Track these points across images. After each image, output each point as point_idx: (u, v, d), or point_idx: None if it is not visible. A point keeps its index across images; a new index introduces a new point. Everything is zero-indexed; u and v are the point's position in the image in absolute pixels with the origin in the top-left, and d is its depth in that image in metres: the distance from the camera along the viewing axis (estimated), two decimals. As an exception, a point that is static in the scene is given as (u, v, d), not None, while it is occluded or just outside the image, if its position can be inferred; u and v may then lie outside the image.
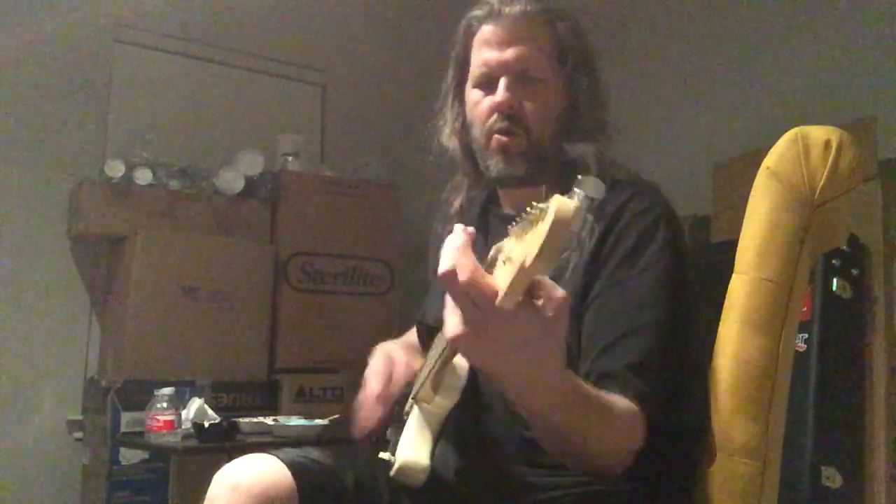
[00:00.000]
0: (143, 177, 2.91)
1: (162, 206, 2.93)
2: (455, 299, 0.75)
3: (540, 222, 0.69)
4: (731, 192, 2.59)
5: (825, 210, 1.03)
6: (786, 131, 1.06)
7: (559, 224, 0.67)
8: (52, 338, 2.96)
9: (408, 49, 3.49)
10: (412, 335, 1.45)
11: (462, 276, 0.73)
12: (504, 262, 0.75)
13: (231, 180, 3.07)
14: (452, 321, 0.76)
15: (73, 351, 3.00)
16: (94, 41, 3.12)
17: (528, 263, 0.69)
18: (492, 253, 0.81)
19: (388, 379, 1.23)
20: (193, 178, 3.01)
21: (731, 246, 1.11)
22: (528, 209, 0.73)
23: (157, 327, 2.77)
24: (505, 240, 0.79)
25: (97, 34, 3.12)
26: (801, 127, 1.06)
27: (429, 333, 1.33)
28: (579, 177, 0.79)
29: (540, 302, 0.75)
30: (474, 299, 0.73)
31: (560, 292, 0.76)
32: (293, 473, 0.98)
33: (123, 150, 3.01)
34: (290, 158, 3.27)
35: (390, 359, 1.27)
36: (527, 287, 0.73)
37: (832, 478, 1.94)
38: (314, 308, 3.11)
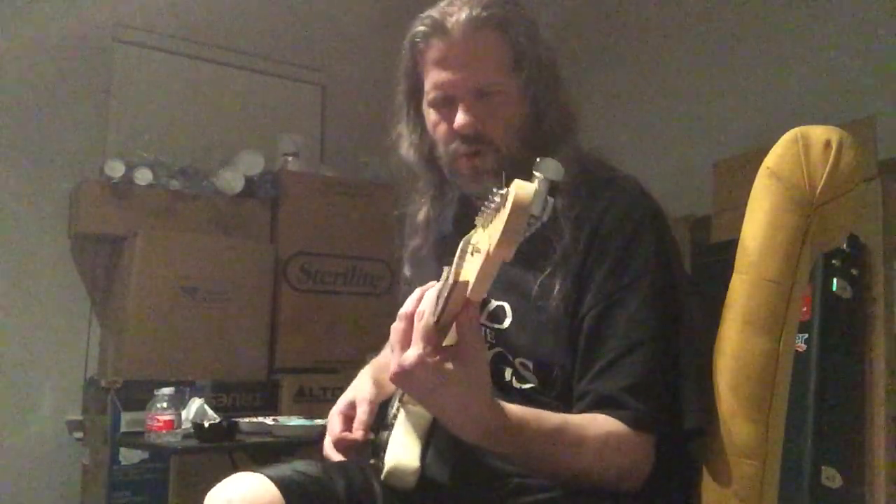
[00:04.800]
0: (143, 177, 2.91)
1: (162, 206, 2.93)
2: (401, 333, 0.91)
3: (502, 207, 0.72)
4: (731, 192, 2.59)
5: (825, 210, 1.03)
6: (786, 131, 1.06)
7: (518, 208, 0.70)
8: (52, 338, 2.97)
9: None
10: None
11: (417, 329, 0.88)
12: (472, 254, 0.78)
13: (231, 180, 3.07)
14: (392, 361, 0.90)
15: (73, 351, 3.00)
16: (94, 41, 3.12)
17: (491, 251, 0.72)
18: (461, 246, 0.84)
19: (348, 421, 1.23)
20: (193, 178, 3.01)
21: (731, 246, 1.10)
22: (490, 196, 0.76)
23: (157, 327, 2.77)
24: (472, 231, 0.82)
25: (97, 34, 3.12)
26: (801, 127, 1.05)
27: None
28: (538, 159, 0.77)
29: (456, 353, 0.88)
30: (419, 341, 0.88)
31: (474, 352, 0.89)
32: (282, 490, 0.99)
33: (123, 150, 3.01)
34: (290, 158, 3.27)
35: (352, 401, 1.25)
36: (494, 275, 0.79)
37: (832, 478, 1.94)
38: (314, 308, 3.11)
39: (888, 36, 2.50)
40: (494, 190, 0.75)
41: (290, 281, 3.09)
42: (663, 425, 1.01)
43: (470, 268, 0.79)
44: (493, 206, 0.75)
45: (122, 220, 2.86)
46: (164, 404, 2.15)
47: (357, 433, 1.19)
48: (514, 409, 0.95)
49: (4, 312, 2.88)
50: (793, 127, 1.06)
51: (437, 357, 0.87)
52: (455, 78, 1.13)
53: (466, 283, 0.79)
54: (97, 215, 2.86)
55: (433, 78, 1.15)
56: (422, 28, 1.15)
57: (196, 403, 2.41)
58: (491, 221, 0.75)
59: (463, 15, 1.12)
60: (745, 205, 1.08)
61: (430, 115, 1.19)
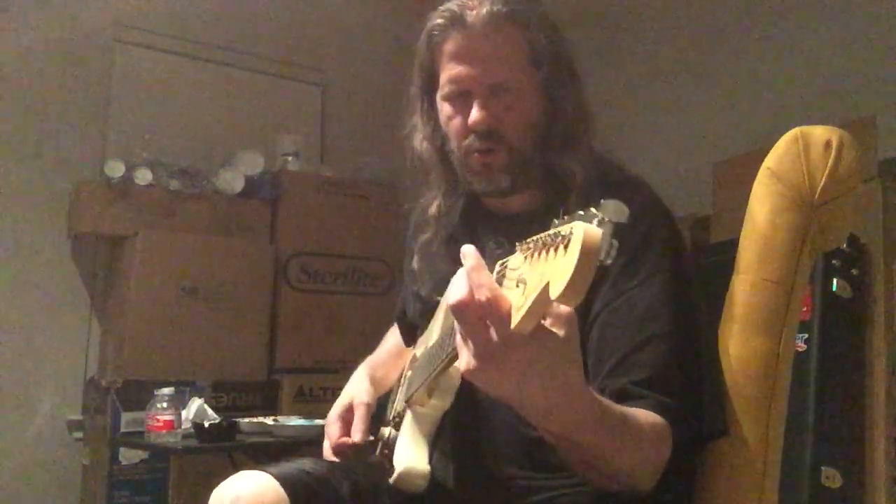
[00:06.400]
0: (143, 177, 2.91)
1: (162, 206, 2.93)
2: (469, 325, 0.72)
3: (562, 248, 0.65)
4: (731, 192, 2.58)
5: (825, 210, 1.03)
6: (786, 131, 1.06)
7: (589, 253, 0.63)
8: (52, 338, 2.96)
9: (408, 49, 3.50)
10: (390, 339, 1.45)
11: (481, 296, 0.70)
12: (518, 285, 0.71)
13: (231, 180, 3.07)
14: (464, 354, 0.73)
15: (73, 351, 3.00)
16: (94, 41, 3.12)
17: (554, 294, 0.64)
18: (497, 269, 0.77)
19: (346, 426, 1.23)
20: (193, 178, 3.01)
21: (731, 246, 1.10)
22: (533, 236, 0.70)
23: (157, 327, 2.77)
24: (511, 257, 0.75)
25: (97, 34, 3.12)
26: (802, 127, 1.06)
27: (409, 331, 1.33)
28: (602, 201, 0.69)
29: (548, 322, 0.73)
30: (494, 322, 0.70)
31: (566, 309, 0.73)
32: (286, 489, 1.00)
33: (123, 150, 3.01)
34: (290, 158, 3.28)
35: (349, 405, 1.26)
36: (542, 315, 0.70)
37: (832, 478, 1.94)
38: (314, 308, 3.11)
39: (888, 36, 2.50)
40: (555, 222, 0.68)
41: (290, 281, 3.09)
42: (686, 419, 0.95)
43: (515, 300, 0.71)
44: (544, 240, 0.68)
45: (122, 220, 2.86)
46: (164, 404, 2.15)
47: (356, 436, 1.19)
48: (592, 392, 0.84)
49: (4, 312, 2.88)
50: (793, 127, 1.06)
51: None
52: (472, 73, 1.12)
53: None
54: (97, 215, 2.86)
55: (449, 71, 1.14)
56: (440, 21, 1.14)
57: (196, 403, 2.41)
58: (542, 257, 0.68)
59: (483, 10, 1.11)
60: (745, 205, 1.08)
61: (445, 109, 1.17)
